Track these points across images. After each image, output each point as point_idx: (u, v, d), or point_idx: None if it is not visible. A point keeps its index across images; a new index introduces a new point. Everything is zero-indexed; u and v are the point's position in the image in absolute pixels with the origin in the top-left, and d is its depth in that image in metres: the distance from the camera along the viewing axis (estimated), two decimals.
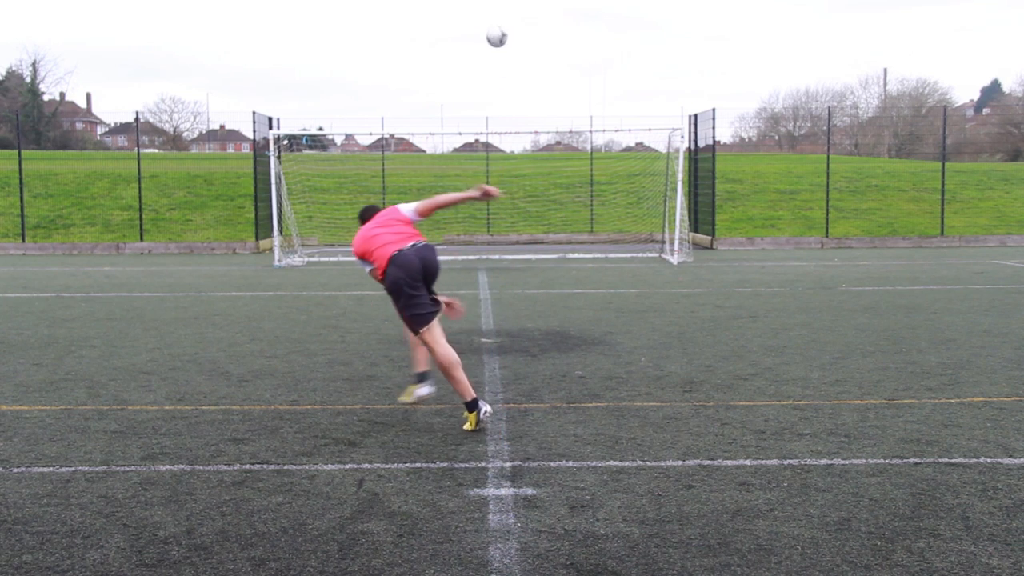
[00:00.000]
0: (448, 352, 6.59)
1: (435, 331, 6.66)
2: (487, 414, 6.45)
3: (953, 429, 6.46)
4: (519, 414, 6.95)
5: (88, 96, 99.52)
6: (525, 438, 6.28)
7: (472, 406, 6.45)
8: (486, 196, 6.83)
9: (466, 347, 9.84)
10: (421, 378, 7.23)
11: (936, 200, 30.60)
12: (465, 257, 23.41)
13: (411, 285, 6.60)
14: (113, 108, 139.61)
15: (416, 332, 6.72)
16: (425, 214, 6.97)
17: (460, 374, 6.52)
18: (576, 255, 24.24)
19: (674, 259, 21.92)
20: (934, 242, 28.04)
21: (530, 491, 5.21)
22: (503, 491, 5.21)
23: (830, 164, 29.75)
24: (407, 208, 6.99)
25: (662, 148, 25.98)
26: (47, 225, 29.90)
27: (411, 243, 6.69)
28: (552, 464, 5.71)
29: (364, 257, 6.90)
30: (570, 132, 65.07)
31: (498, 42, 19.48)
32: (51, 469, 5.68)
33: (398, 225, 6.84)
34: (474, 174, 34.27)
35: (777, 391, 7.68)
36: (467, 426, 6.48)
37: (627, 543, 4.48)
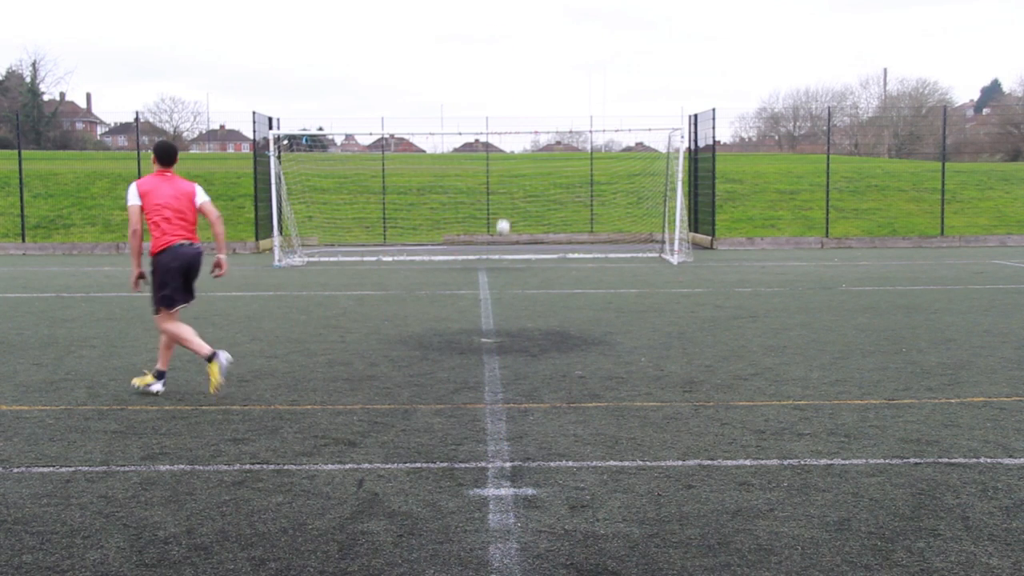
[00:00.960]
0: (177, 328, 7.71)
1: (173, 318, 7.76)
2: (228, 360, 7.51)
3: (953, 429, 6.46)
4: (519, 414, 6.95)
5: (88, 96, 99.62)
6: (525, 438, 6.28)
7: (211, 358, 7.43)
8: (218, 266, 7.89)
9: (466, 347, 9.85)
10: (159, 375, 7.82)
11: (936, 200, 30.60)
12: (465, 257, 23.40)
13: (173, 275, 7.65)
14: (113, 108, 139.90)
15: (156, 312, 7.74)
16: (201, 213, 7.85)
17: (193, 338, 7.64)
18: (576, 255, 24.24)
19: (674, 259, 21.92)
20: (934, 242, 28.04)
21: (530, 491, 5.21)
22: (503, 491, 5.21)
23: (830, 164, 29.75)
24: (202, 198, 7.90)
25: (662, 148, 25.99)
26: (47, 225, 29.90)
27: (191, 241, 7.73)
28: (552, 464, 5.71)
29: (144, 210, 7.65)
30: (570, 132, 65.09)
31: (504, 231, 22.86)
32: (51, 469, 5.68)
33: (190, 215, 7.77)
34: (474, 174, 34.30)
35: (777, 391, 7.68)
36: (211, 388, 7.43)
37: (627, 543, 4.48)
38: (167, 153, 7.96)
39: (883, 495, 5.12)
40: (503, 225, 22.63)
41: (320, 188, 30.67)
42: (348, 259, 23.58)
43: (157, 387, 7.70)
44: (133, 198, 7.68)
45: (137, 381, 7.79)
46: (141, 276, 7.88)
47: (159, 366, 7.82)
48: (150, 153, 8.04)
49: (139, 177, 25.40)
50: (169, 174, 7.91)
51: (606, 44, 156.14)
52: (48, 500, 5.12)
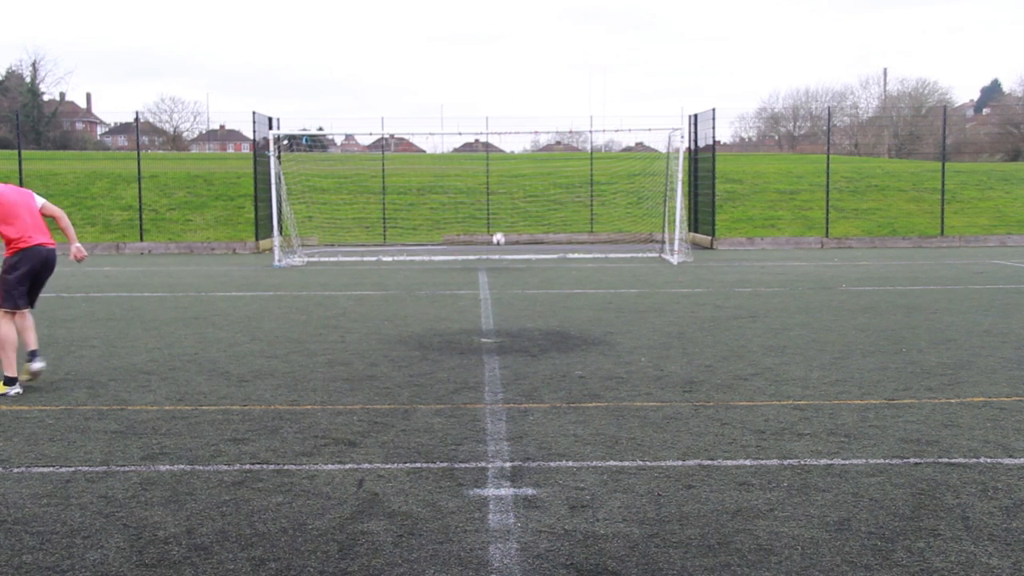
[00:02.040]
0: (9, 333, 7.84)
1: (10, 318, 7.88)
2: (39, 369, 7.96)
3: (953, 429, 6.46)
4: (519, 414, 6.95)
5: (88, 96, 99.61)
6: (525, 438, 6.28)
7: (10, 382, 7.71)
8: (75, 254, 8.36)
9: (466, 347, 9.85)
10: (31, 356, 8.02)
11: (936, 200, 30.60)
12: (465, 257, 23.40)
13: (28, 276, 7.93)
14: (113, 108, 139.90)
15: (1, 307, 7.87)
16: (44, 214, 8.16)
17: (12, 354, 7.78)
18: (576, 255, 24.24)
19: (674, 259, 21.92)
20: (934, 242, 28.04)
21: (530, 491, 5.21)
22: (503, 491, 5.21)
23: (830, 164, 29.76)
24: (41, 201, 8.23)
25: (662, 148, 26.00)
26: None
27: (46, 242, 8.07)
28: (552, 464, 5.71)
29: None
30: (570, 132, 65.06)
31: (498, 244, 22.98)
32: (51, 469, 5.68)
33: (39, 217, 8.10)
34: (474, 174, 34.30)
35: (777, 391, 7.68)
36: (23, 376, 7.91)
37: (627, 543, 4.48)
38: None
39: (883, 495, 5.12)
40: (499, 237, 22.90)
41: (320, 188, 30.67)
42: (348, 259, 23.57)
43: (36, 365, 8.08)
44: None
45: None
46: None
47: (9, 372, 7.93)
48: None
49: (138, 176, 25.13)
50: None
51: (606, 44, 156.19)
52: (48, 500, 5.12)
